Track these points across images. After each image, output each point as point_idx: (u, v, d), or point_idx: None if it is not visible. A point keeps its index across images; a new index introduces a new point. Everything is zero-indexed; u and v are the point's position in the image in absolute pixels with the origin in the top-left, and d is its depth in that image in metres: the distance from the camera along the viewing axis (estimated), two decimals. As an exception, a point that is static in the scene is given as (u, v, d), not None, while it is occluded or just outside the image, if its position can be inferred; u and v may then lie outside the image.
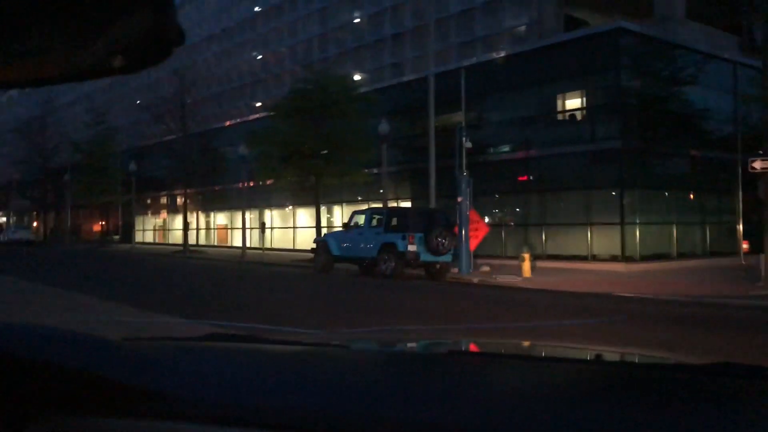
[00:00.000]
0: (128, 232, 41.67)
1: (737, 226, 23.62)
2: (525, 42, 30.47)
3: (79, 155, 42.59)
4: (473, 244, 17.86)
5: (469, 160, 19.41)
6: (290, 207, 32.89)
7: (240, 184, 28.96)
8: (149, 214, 45.67)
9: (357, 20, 43.92)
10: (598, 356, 1.57)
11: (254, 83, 51.38)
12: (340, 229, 20.05)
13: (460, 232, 17.50)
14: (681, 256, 22.15)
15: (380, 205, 21.83)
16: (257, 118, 33.36)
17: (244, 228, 29.09)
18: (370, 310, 10.93)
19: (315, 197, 25.04)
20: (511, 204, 24.35)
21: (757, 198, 16.69)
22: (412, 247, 16.80)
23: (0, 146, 62.85)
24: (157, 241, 45.02)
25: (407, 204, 26.27)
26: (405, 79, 29.93)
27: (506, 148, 24.31)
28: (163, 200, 43.89)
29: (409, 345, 2.11)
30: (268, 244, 31.35)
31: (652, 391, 1.03)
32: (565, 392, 1.05)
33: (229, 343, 1.50)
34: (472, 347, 1.97)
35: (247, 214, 31.08)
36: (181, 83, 35.40)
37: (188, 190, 34.74)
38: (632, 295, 13.62)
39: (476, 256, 18.63)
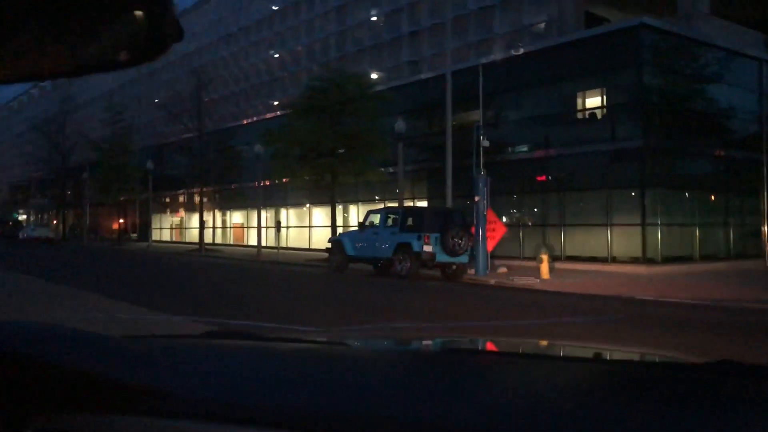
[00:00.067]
0: (145, 230, 41.83)
1: (762, 228, 23.07)
2: (544, 39, 30.04)
3: (97, 153, 42.91)
4: (490, 244, 17.52)
5: (487, 159, 19.10)
6: (306, 206, 32.75)
7: (256, 183, 28.88)
8: (166, 213, 45.83)
9: (374, 18, 43.71)
10: (598, 355, 1.56)
11: (271, 82, 51.38)
12: (356, 228, 19.83)
13: (477, 232, 17.17)
14: (704, 258, 21.63)
15: (396, 205, 21.57)
16: (274, 117, 33.30)
17: (259, 227, 28.98)
18: (380, 311, 10.73)
19: (331, 196, 24.87)
20: (529, 204, 23.98)
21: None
22: (427, 248, 16.50)
23: (20, 145, 63.50)
24: (174, 239, 45.15)
25: (424, 203, 26.00)
26: (422, 77, 29.64)
27: (524, 147, 23.94)
28: (180, 199, 44.03)
29: (409, 343, 2.09)
30: (283, 243, 31.23)
31: (652, 389, 1.03)
32: (565, 391, 1.04)
33: (227, 341, 1.51)
34: (474, 346, 1.97)
35: (263, 213, 30.97)
36: (199, 82, 35.46)
37: (205, 189, 34.79)
38: (654, 298, 13.23)
39: (493, 257, 18.31)
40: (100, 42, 0.67)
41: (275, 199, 32.88)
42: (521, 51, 25.16)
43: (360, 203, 28.84)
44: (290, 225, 34.25)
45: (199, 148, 34.20)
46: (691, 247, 21.93)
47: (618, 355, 1.84)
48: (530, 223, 23.63)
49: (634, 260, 20.30)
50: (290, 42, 50.05)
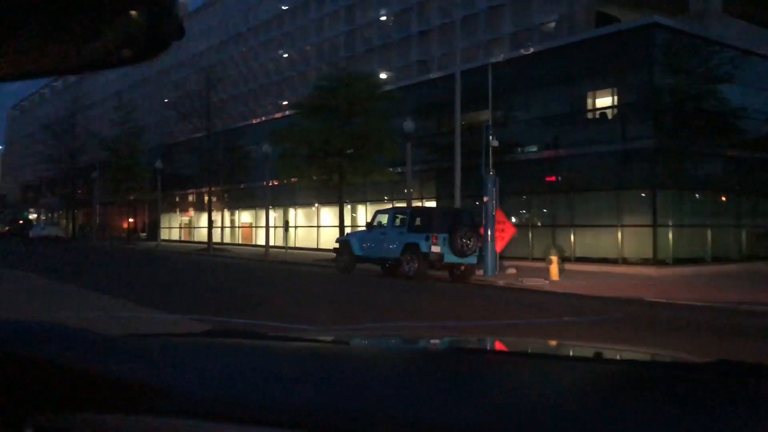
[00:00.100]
0: (154, 229, 41.92)
1: (775, 229, 22.79)
2: (554, 39, 29.84)
3: (107, 153, 43.03)
4: (500, 245, 17.35)
5: (496, 159, 18.92)
6: (314, 206, 32.68)
7: (264, 183, 28.84)
8: (175, 212, 45.90)
9: (383, 18, 43.61)
10: (597, 354, 1.54)
11: (280, 81, 51.38)
12: (364, 228, 19.73)
13: (486, 233, 17.01)
14: (716, 260, 21.38)
15: (404, 205, 21.44)
16: (283, 117, 33.23)
17: (267, 226, 28.94)
18: (385, 311, 10.62)
19: (339, 196, 24.78)
20: (539, 204, 23.79)
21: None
22: (435, 248, 16.35)
23: (31, 144, 63.83)
24: (183, 238, 45.21)
25: (432, 204, 25.86)
26: (431, 76, 29.50)
27: (534, 147, 23.76)
28: (189, 198, 44.10)
29: (410, 342, 2.09)
30: (292, 243, 31.16)
31: (650, 389, 1.04)
32: (564, 390, 1.03)
33: (228, 340, 1.49)
34: (476, 345, 1.96)
35: (272, 213, 30.92)
36: (208, 81, 35.47)
37: (213, 188, 34.79)
38: (665, 300, 13.04)
39: (502, 257, 18.14)
40: (102, 40, 0.68)
41: (284, 198, 32.83)
42: (531, 50, 25.00)
43: (368, 203, 28.73)
44: (299, 225, 34.18)
45: (208, 148, 34.22)
46: (703, 248, 21.69)
47: (618, 355, 1.82)
48: (540, 224, 23.44)
49: (645, 262, 20.09)
50: (299, 41, 50.03)
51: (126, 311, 9.48)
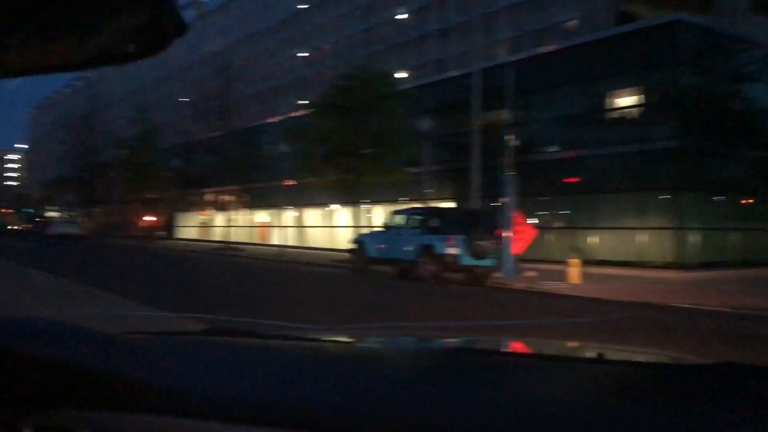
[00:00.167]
0: (172, 228, 41.97)
1: (804, 233, 22.12)
2: (575, 37, 29.34)
3: (125, 151, 43.19)
4: (519, 247, 16.91)
5: (515, 160, 18.52)
6: (331, 206, 32.43)
7: (281, 182, 28.67)
8: (192, 211, 45.95)
9: (402, 16, 43.28)
10: (601, 355, 1.55)
11: (298, 80, 51.26)
12: (379, 229, 19.42)
13: (504, 235, 16.58)
14: (742, 264, 20.79)
15: (421, 205, 21.09)
16: (299, 116, 33.04)
17: (283, 226, 28.75)
18: (393, 314, 10.34)
19: (355, 196, 24.50)
20: (559, 206, 23.36)
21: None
22: (452, 250, 15.96)
23: (51, 143, 64.37)
24: (200, 237, 45.23)
25: (450, 204, 25.48)
26: (449, 75, 29.12)
27: (554, 147, 23.33)
28: (206, 197, 44.08)
29: (413, 342, 2.06)
30: (308, 243, 30.97)
31: (655, 391, 1.04)
32: (567, 391, 1.03)
33: (227, 338, 1.48)
34: (480, 345, 1.95)
35: (288, 213, 30.79)
36: (225, 80, 35.42)
37: (230, 188, 34.71)
38: (690, 306, 12.57)
39: (521, 260, 17.69)
40: (102, 36, 0.67)
41: (300, 198, 32.63)
42: (551, 48, 24.56)
43: (384, 203, 28.39)
44: (315, 225, 33.98)
45: (225, 147, 34.17)
46: (729, 252, 21.13)
47: (623, 356, 1.79)
48: (560, 226, 23.00)
49: (668, 265, 19.59)
50: (317, 40, 49.87)
51: (131, 310, 9.45)
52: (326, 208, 33.13)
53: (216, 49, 55.41)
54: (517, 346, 2.03)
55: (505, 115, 21.23)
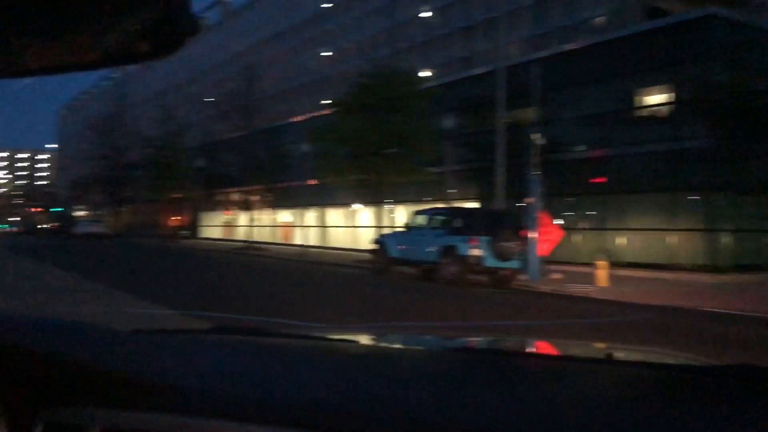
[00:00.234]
0: (196, 227, 42.15)
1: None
2: (603, 33, 28.74)
3: (150, 151, 43.52)
4: (545, 249, 16.45)
5: (541, 159, 18.07)
6: (353, 206, 32.21)
7: (304, 182, 28.53)
8: (216, 210, 46.13)
9: (426, 14, 42.92)
10: (610, 356, 1.54)
11: (321, 80, 51.17)
12: (402, 229, 19.11)
13: (529, 236, 16.14)
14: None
15: (444, 205, 20.72)
16: (322, 115, 32.90)
17: (306, 226, 28.60)
18: (408, 315, 10.09)
19: (378, 196, 24.24)
20: (586, 206, 22.84)
21: None
22: (475, 251, 15.56)
23: (78, 142, 65.21)
24: (223, 237, 45.36)
25: (474, 204, 25.07)
26: (473, 72, 28.69)
27: (581, 146, 22.82)
28: (229, 197, 44.20)
29: (420, 342, 2.01)
30: (330, 243, 30.77)
31: (666, 392, 1.03)
32: (573, 391, 1.03)
33: (234, 336, 1.50)
34: (487, 345, 1.94)
35: (311, 212, 30.63)
36: (248, 80, 35.46)
37: (253, 187, 34.72)
38: (723, 310, 12.07)
39: (547, 262, 17.24)
40: (116, 35, 0.67)
41: (322, 198, 32.48)
42: (579, 45, 24.05)
43: (407, 203, 28.08)
44: (337, 224, 33.79)
45: (248, 147, 34.18)
46: (764, 254, 20.43)
47: (630, 356, 1.77)
48: (587, 227, 22.48)
49: (700, 268, 18.99)
50: (340, 39, 49.73)
51: (143, 308, 9.52)
52: (349, 208, 32.92)
53: (240, 49, 55.59)
54: (526, 347, 2.01)
55: (530, 113, 20.80)
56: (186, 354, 1.20)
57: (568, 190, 22.47)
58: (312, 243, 29.54)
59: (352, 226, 32.85)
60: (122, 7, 0.66)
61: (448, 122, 20.57)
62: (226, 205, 44.27)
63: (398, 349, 1.74)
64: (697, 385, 1.10)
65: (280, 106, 51.93)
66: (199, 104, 56.22)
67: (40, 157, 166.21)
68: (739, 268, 19.19)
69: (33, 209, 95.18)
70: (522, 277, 16.17)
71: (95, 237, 44.30)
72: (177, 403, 0.92)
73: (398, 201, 28.45)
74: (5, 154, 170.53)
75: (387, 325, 8.10)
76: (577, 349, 2.14)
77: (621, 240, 21.38)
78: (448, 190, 21.41)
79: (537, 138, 18.11)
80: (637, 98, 22.31)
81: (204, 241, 39.68)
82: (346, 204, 32.44)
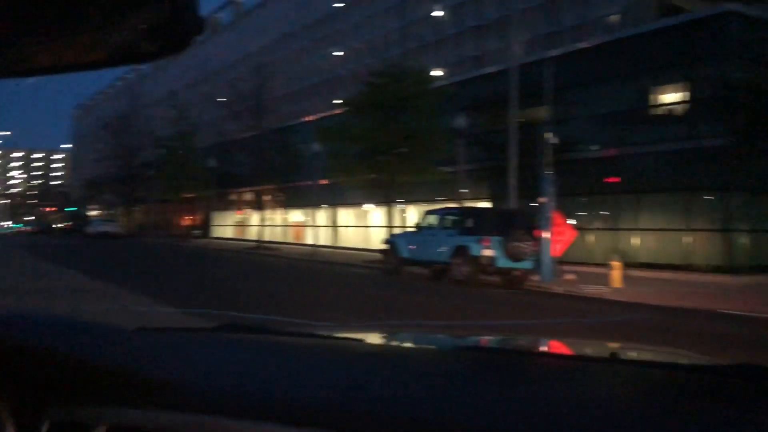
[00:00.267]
0: (207, 227, 42.23)
1: None
2: (617, 31, 28.43)
3: (163, 151, 43.65)
4: (559, 249, 16.24)
5: (554, 158, 17.85)
6: (365, 205, 32.10)
7: (315, 182, 28.47)
8: (228, 210, 46.20)
9: (438, 13, 42.72)
10: (615, 355, 1.52)
11: (332, 79, 51.09)
12: (413, 229, 18.96)
13: (542, 236, 15.92)
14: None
15: (455, 205, 20.54)
16: (334, 115, 32.82)
17: (317, 226, 28.53)
18: (416, 315, 9.98)
19: (389, 196, 24.10)
20: (600, 206, 22.58)
21: None
22: (487, 252, 15.38)
23: (92, 142, 65.61)
24: (235, 236, 45.43)
25: (486, 204, 24.87)
26: (485, 71, 28.47)
27: (594, 146, 22.55)
28: (241, 196, 44.26)
29: (425, 340, 2.01)
30: (341, 243, 30.67)
31: (669, 392, 1.03)
32: (576, 391, 1.02)
33: (239, 335, 1.50)
34: (485, 344, 1.90)
35: (322, 212, 30.54)
36: (260, 80, 35.45)
37: (265, 187, 34.70)
38: (740, 312, 11.84)
39: (560, 262, 17.02)
40: (121, 34, 0.67)
41: (334, 197, 32.38)
42: (592, 43, 23.80)
43: (419, 203, 27.92)
44: (348, 224, 33.69)
45: (260, 146, 34.17)
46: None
47: (634, 355, 1.76)
48: (601, 227, 22.21)
49: (716, 269, 18.70)
50: (351, 39, 49.63)
51: (150, 306, 9.55)
52: (360, 208, 32.81)
53: (252, 48, 55.64)
54: (537, 346, 1.99)
55: (543, 112, 20.58)
56: (191, 352, 1.20)
57: (582, 189, 22.22)
58: (323, 243, 29.43)
59: (364, 226, 32.73)
60: (128, 7, 0.66)
61: (460, 121, 20.36)
62: (238, 205, 44.33)
63: (406, 347, 1.74)
64: (706, 385, 1.10)
65: (292, 105, 51.90)
66: (212, 104, 56.31)
67: (55, 157, 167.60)
68: (756, 269, 18.87)
69: (47, 209, 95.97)
70: (534, 277, 15.98)
71: (108, 236, 44.53)
72: (182, 401, 0.93)
73: (409, 201, 28.28)
74: (21, 154, 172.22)
75: (395, 323, 7.99)
76: (588, 348, 2.12)
77: (635, 240, 21.11)
78: (460, 190, 21.21)
79: (550, 137, 17.89)
80: (651, 97, 22.03)
81: (216, 241, 39.75)
82: (357, 204, 32.33)
